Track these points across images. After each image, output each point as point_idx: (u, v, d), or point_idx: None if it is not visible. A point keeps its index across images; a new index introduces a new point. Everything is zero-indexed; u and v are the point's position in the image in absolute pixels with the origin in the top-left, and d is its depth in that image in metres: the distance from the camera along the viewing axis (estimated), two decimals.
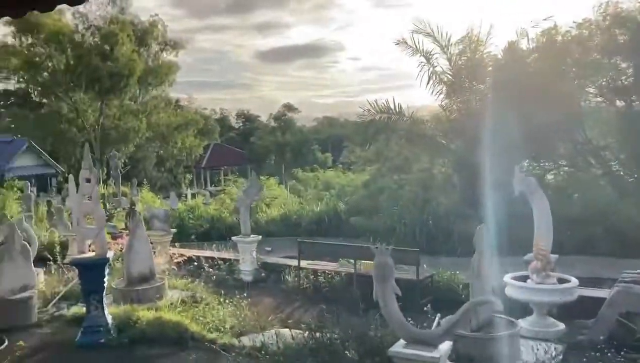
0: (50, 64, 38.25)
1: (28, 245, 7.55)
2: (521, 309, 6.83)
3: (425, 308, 6.30)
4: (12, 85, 42.93)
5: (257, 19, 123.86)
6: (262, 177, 24.73)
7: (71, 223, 13.27)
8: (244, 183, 27.96)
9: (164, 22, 43.51)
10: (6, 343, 6.45)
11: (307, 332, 5.79)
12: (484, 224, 5.94)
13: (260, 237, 10.60)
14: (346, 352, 5.07)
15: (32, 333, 6.88)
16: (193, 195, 27.69)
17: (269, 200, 21.05)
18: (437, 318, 5.98)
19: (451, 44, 16.71)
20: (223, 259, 10.41)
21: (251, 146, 60.95)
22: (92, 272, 6.42)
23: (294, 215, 20.53)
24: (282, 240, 15.71)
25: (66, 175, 38.80)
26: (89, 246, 6.97)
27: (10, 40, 37.60)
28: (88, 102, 40.38)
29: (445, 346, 4.89)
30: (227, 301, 7.46)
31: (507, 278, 6.99)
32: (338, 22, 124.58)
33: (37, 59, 37.63)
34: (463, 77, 16.65)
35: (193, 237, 14.35)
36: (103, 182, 35.29)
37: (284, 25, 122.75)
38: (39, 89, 41.75)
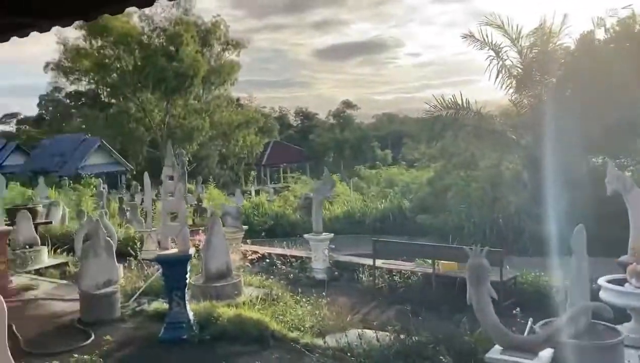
0: (118, 65, 39.70)
1: (111, 241, 7.73)
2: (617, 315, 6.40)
3: (514, 311, 6.00)
4: (82, 86, 44.89)
5: (315, 17, 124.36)
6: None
7: (145, 220, 13.72)
8: (306, 181, 28.05)
9: (225, 22, 44.37)
10: (93, 337, 6.60)
11: (393, 334, 5.61)
12: (581, 224, 5.57)
13: (332, 234, 10.49)
14: (441, 357, 4.84)
15: (116, 328, 7.01)
16: (257, 192, 27.95)
17: (332, 198, 20.95)
18: (529, 322, 5.67)
19: (522, 36, 16.11)
20: (294, 257, 10.38)
21: (309, 144, 61.20)
22: (174, 268, 6.48)
23: (358, 213, 20.35)
24: (345, 237, 15.56)
25: (134, 172, 40.40)
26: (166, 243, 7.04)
27: (81, 43, 39.32)
28: (154, 102, 41.67)
29: (547, 353, 4.60)
30: (304, 299, 7.38)
31: (602, 281, 6.55)
32: (397, 17, 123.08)
33: (107, 60, 39.14)
34: (534, 70, 16.00)
35: (263, 234, 14.41)
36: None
37: (342, 23, 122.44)
38: (108, 89, 43.47)
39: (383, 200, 20.98)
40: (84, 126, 46.25)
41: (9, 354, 4.15)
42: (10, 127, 63.02)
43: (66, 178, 26.10)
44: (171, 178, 6.67)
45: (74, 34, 38.66)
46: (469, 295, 4.89)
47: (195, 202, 20.91)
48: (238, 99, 50.91)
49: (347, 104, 64.74)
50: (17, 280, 9.32)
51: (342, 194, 24.43)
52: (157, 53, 39.01)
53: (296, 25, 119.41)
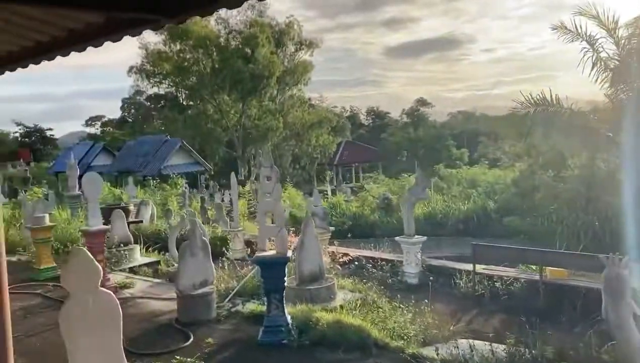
0: (197, 68, 40.80)
1: (207, 241, 7.72)
2: None
3: None
4: (163, 89, 46.54)
5: (385, 15, 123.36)
6: (404, 175, 24.32)
7: (230, 220, 13.83)
8: (384, 181, 27.62)
9: (299, 22, 44.62)
10: (192, 338, 6.58)
11: (510, 347, 5.18)
12: None
13: (425, 238, 10.10)
14: None
15: (213, 329, 6.97)
16: (333, 192, 27.81)
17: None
18: None
19: (619, 27, 15.00)
20: (384, 259, 10.07)
21: (381, 143, 60.60)
22: (273, 270, 6.34)
23: (439, 214, 19.76)
24: (427, 240, 15.10)
25: (211, 173, 41.44)
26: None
27: (162, 47, 40.73)
28: (230, 104, 42.53)
29: None
30: (401, 306, 7.06)
31: None
32: (469, 13, 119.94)
33: (186, 63, 40.31)
34: (633, 62, 14.86)
35: (349, 235, 14.18)
36: (246, 179, 36.88)
37: (413, 20, 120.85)
38: (187, 92, 44.81)
39: (466, 201, 20.28)
40: (162, 128, 48.00)
41: (123, 353, 4.11)
42: (96, 129, 66.36)
43: (150, 177, 27.02)
44: (269, 178, 6.54)
45: (154, 38, 40.17)
46: (605, 309, 4.41)
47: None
48: (309, 99, 51.24)
49: (422, 102, 63.57)
50: (113, 278, 9.54)
51: None
52: (233, 55, 39.76)
53: (367, 24, 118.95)
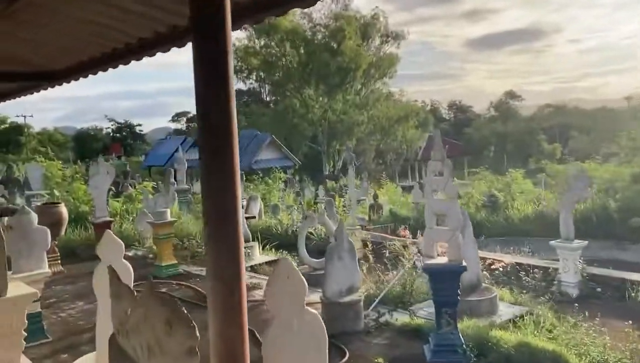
0: (283, 62, 40.68)
1: (354, 243, 6.96)
2: None
3: None
4: (251, 84, 46.86)
5: (465, 7, 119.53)
6: (511, 170, 22.79)
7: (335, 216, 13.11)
8: (486, 177, 26.06)
9: (385, 13, 43.53)
10: (347, 355, 5.83)
11: None
12: None
13: (587, 242, 8.90)
14: None
15: (367, 343, 6.21)
16: (421, 187, 26.48)
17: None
18: None
19: None
20: (535, 266, 8.96)
21: (465, 137, 58.49)
22: (445, 281, 5.49)
23: (553, 213, 18.23)
24: (537, 241, 13.74)
25: (296, 167, 41.19)
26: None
27: (247, 42, 40.91)
28: (315, 98, 42.17)
29: None
30: (582, 323, 6.00)
31: None
32: (555, 2, 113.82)
33: (273, 58, 40.28)
34: None
35: (482, 237, 13.08)
36: (331, 174, 36.32)
37: (493, 11, 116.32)
38: (272, 86, 44.86)
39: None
40: (245, 124, 48.33)
41: None
42: (181, 125, 68.21)
43: (242, 172, 26.90)
44: (439, 173, 5.67)
45: (237, 34, 40.30)
46: None
47: (361, 197, 20.05)
48: (390, 93, 50.04)
49: (511, 95, 60.71)
50: None
51: (526, 192, 22.32)
52: (320, 48, 39.32)
53: (446, 17, 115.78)
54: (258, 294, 8.37)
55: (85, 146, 53.51)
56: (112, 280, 2.15)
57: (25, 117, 47.91)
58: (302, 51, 40.10)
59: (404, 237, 9.76)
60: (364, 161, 45.41)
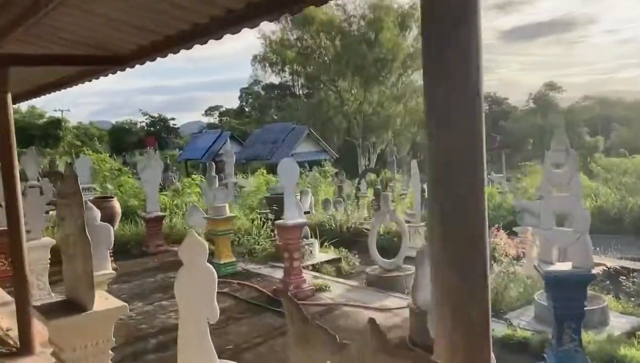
0: (319, 54, 39.97)
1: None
2: None
3: None
4: (284, 77, 46.28)
5: None
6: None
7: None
8: (538, 171, 24.94)
9: None
10: None
11: None
12: None
13: None
14: None
15: None
16: (489, 182, 25.47)
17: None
18: None
19: None
20: (629, 269, 8.13)
21: (500, 131, 57.01)
22: (569, 290, 4.75)
23: (614, 209, 17.21)
24: (598, 238, 12.82)
25: (331, 160, 40.49)
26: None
27: (282, 35, 40.26)
28: (350, 90, 41.42)
29: None
30: None
31: None
32: None
33: (309, 50, 39.61)
34: None
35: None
36: (371, 167, 35.54)
37: (527, 1, 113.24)
38: (303, 80, 44.22)
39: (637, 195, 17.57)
40: (275, 116, 47.80)
41: None
42: (214, 119, 68.15)
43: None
44: (559, 166, 4.93)
45: (271, 27, 39.75)
46: None
47: (405, 192, 19.18)
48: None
49: (551, 86, 58.84)
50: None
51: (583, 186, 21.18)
52: (357, 40, 38.50)
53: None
54: (327, 297, 7.77)
55: (120, 140, 53.79)
56: (295, 317, 1.51)
57: (62, 111, 48.26)
58: (338, 43, 39.31)
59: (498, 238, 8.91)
60: (397, 154, 44.51)
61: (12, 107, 5.49)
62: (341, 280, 8.56)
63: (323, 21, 38.09)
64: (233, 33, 3.98)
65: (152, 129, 60.87)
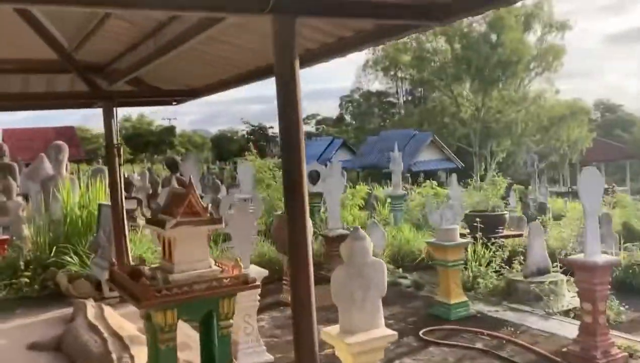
0: (437, 58, 37.64)
1: None
2: None
3: None
4: (385, 82, 44.30)
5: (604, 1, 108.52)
6: None
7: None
8: None
9: (550, 1, 38.88)
10: None
11: None
12: None
13: None
14: None
15: None
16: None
17: None
18: None
19: None
20: None
21: (618, 139, 52.21)
22: None
23: None
24: None
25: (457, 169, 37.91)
26: None
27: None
28: (467, 95, 38.85)
29: None
30: None
31: None
32: None
33: (426, 53, 37.40)
34: None
35: None
36: (482, 178, 32.55)
37: (636, 2, 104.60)
38: (420, 84, 41.95)
39: None
40: (382, 124, 45.73)
41: None
42: (311, 127, 67.40)
43: (407, 175, 24.28)
44: None
45: None
46: None
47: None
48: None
49: None
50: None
51: None
52: (478, 41, 35.86)
53: (583, 10, 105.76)
54: None
55: (222, 147, 54.21)
56: None
57: (170, 120, 48.93)
58: (457, 45, 36.79)
59: None
60: (512, 163, 41.10)
61: None
62: None
63: None
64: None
65: (251, 137, 60.82)
